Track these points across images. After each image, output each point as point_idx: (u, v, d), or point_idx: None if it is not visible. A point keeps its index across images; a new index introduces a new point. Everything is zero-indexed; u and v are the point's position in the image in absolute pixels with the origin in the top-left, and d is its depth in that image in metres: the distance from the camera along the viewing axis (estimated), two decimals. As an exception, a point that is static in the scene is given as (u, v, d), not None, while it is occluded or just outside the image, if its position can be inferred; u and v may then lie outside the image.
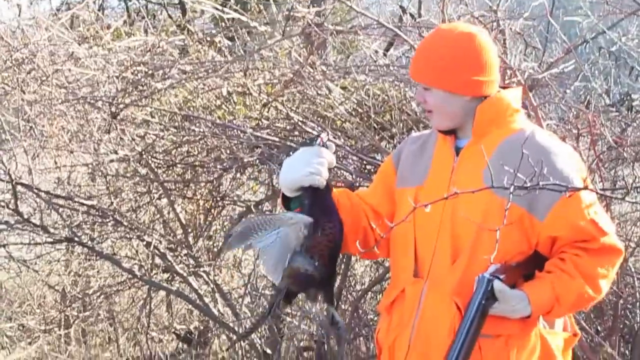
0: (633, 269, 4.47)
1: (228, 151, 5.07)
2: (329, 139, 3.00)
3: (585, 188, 2.65)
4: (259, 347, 5.55)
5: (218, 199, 5.72)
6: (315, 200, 2.95)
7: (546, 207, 2.78)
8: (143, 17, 6.19)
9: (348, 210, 3.04)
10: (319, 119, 4.89)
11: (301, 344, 5.95)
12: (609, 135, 3.88)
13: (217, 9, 5.26)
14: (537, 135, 2.86)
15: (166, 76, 5.04)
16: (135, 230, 5.62)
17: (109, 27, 5.80)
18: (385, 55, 5.75)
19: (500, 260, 2.78)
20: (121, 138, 5.31)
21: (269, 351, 5.51)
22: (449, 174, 2.91)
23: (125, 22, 6.10)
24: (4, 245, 6.05)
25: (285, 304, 3.07)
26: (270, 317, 3.21)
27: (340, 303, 5.33)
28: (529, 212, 2.79)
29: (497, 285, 2.75)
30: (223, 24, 5.47)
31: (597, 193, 2.77)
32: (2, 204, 5.51)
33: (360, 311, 5.35)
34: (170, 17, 6.83)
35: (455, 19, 4.75)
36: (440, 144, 2.99)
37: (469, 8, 4.81)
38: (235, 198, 5.81)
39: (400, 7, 5.97)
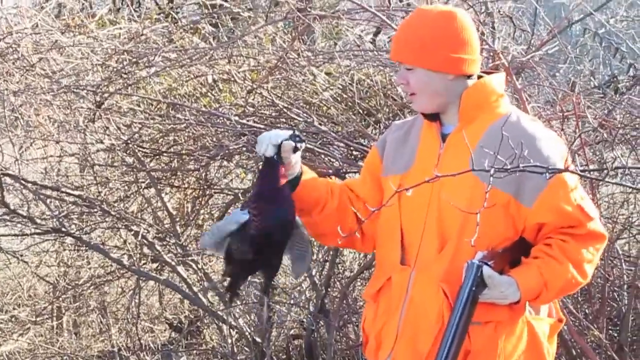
0: (620, 252, 4.45)
1: (214, 139, 5.04)
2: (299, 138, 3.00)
3: (567, 170, 2.64)
4: (249, 335, 5.54)
5: (205, 187, 5.69)
6: (264, 178, 2.98)
7: (533, 193, 2.79)
8: (128, 5, 6.13)
9: (334, 209, 3.05)
10: (304, 105, 4.87)
11: (291, 332, 5.93)
12: (590, 117, 3.86)
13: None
14: (522, 121, 2.87)
15: (150, 64, 5.00)
16: (123, 220, 5.60)
17: (94, 15, 5.76)
18: (373, 40, 5.72)
19: (487, 247, 2.79)
20: (107, 127, 5.28)
21: (258, 339, 5.50)
22: (435, 160, 2.90)
23: (110, 10, 6.04)
24: (-7, 237, 6.03)
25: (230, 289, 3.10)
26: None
27: (329, 290, 5.31)
28: (516, 199, 2.79)
29: (487, 271, 2.75)
30: (206, 10, 5.44)
31: (577, 174, 2.75)
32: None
33: (350, 298, 5.33)
34: (157, 3, 6.77)
35: (444, 2, 4.74)
36: (425, 131, 2.98)
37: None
38: (222, 186, 5.79)
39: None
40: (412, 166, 2.95)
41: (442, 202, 2.84)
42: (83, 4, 6.21)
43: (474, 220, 2.63)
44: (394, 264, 2.94)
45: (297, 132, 3.00)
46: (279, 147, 2.94)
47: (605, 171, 3.23)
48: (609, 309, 4.48)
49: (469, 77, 2.89)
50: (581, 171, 2.90)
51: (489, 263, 2.76)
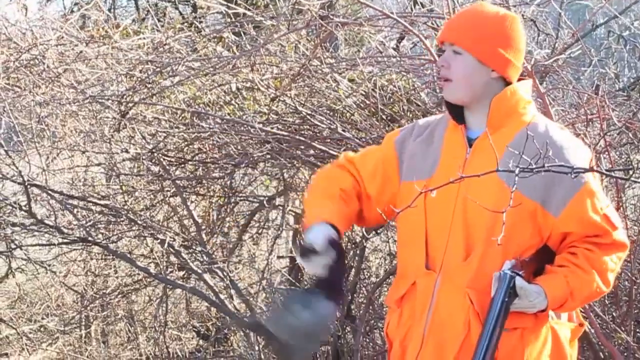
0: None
1: (238, 147, 5.05)
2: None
3: (592, 170, 2.63)
4: (275, 342, 5.55)
5: (230, 195, 5.71)
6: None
7: (561, 203, 2.79)
8: (152, 15, 6.18)
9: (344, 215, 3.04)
10: (327, 111, 4.88)
11: (318, 337, 5.93)
12: (615, 118, 3.85)
13: (223, 4, 5.25)
14: (550, 130, 2.87)
15: (174, 73, 5.03)
16: (149, 229, 5.63)
17: (118, 26, 5.80)
18: (397, 46, 5.72)
19: (514, 254, 2.79)
20: (132, 136, 5.31)
21: (285, 346, 5.49)
22: (460, 164, 2.88)
23: (134, 20, 6.09)
24: (20, 247, 6.07)
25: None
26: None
27: (355, 296, 5.32)
28: (543, 207, 2.79)
29: (519, 281, 2.76)
30: (229, 19, 5.47)
31: (603, 174, 2.75)
32: (17, 205, 5.53)
33: (376, 304, 5.33)
34: (180, 13, 6.82)
35: (466, 7, 4.73)
36: (450, 133, 2.97)
37: (480, -5, 4.77)
38: (247, 193, 5.81)
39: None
40: (436, 169, 2.93)
41: (468, 207, 2.83)
42: (107, 15, 6.25)
43: (500, 226, 2.63)
44: (419, 268, 2.92)
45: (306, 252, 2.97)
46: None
47: (632, 171, 3.21)
48: (636, 311, 4.45)
49: (506, 83, 2.90)
50: (607, 171, 2.88)
51: (520, 273, 2.77)
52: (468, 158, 2.89)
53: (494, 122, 2.88)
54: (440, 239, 2.88)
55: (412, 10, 4.66)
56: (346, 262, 3.03)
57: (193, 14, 6.69)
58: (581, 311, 3.05)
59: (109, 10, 6.63)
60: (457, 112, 2.95)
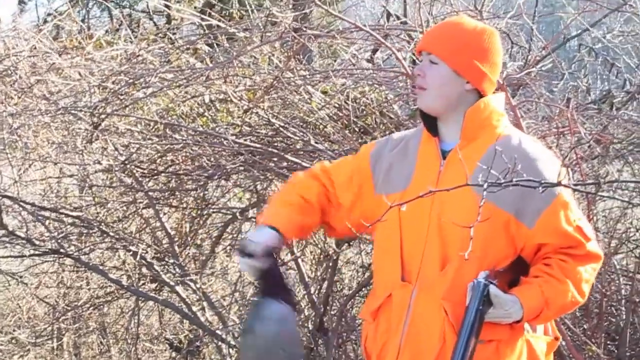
0: (618, 266, 4.46)
1: (211, 159, 5.05)
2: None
3: (560, 184, 2.65)
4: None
5: (203, 207, 5.70)
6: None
7: (535, 214, 2.81)
8: (127, 26, 6.16)
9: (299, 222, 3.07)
10: (300, 123, 4.88)
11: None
12: (583, 131, 3.88)
13: (196, 15, 5.25)
14: (523, 142, 2.89)
15: (147, 85, 5.02)
16: (122, 241, 5.61)
17: (91, 37, 5.79)
18: (371, 58, 5.73)
19: (488, 265, 2.81)
20: (104, 148, 5.30)
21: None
22: (434, 177, 2.90)
23: (107, 31, 6.08)
24: (-9, 259, 6.05)
25: None
26: None
27: (327, 308, 5.31)
28: (517, 218, 2.81)
29: (493, 290, 2.76)
30: (203, 31, 5.47)
31: (571, 188, 2.77)
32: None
33: (348, 316, 5.32)
34: (155, 24, 6.81)
35: (439, 20, 4.75)
36: (424, 146, 2.98)
37: (454, 8, 4.80)
38: (220, 205, 5.80)
39: (384, 8, 5.94)
40: (411, 182, 2.94)
41: (443, 218, 2.84)
42: (81, 25, 6.24)
43: (475, 237, 2.64)
44: (395, 280, 2.92)
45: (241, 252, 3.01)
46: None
47: (597, 186, 3.23)
48: (607, 323, 4.48)
49: (480, 95, 2.92)
50: (575, 185, 2.90)
51: (494, 282, 2.77)
52: (442, 170, 2.90)
53: (468, 134, 2.89)
54: (416, 251, 2.89)
55: (385, 22, 4.66)
56: (281, 272, 3.04)
57: (167, 25, 6.66)
58: (556, 324, 3.06)
59: (82, 20, 6.60)
60: (431, 124, 2.96)
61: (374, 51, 5.77)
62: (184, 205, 5.76)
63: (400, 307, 2.90)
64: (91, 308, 6.62)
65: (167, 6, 6.15)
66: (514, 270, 2.87)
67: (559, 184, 2.65)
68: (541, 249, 2.86)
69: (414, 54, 3.10)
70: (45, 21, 8.11)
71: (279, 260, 3.02)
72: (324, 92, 4.94)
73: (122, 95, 5.11)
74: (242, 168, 4.97)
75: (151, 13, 8.01)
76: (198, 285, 5.57)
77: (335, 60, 5.79)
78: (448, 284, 2.83)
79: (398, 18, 5.54)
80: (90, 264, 5.77)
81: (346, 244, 5.24)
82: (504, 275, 2.83)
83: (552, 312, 2.85)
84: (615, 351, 4.45)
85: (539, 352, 2.91)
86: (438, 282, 2.84)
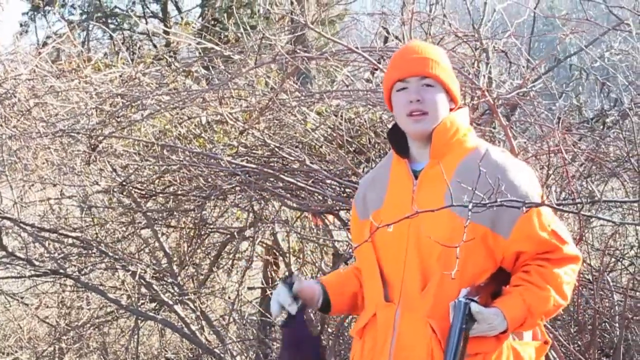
0: (611, 283, 4.48)
1: (208, 179, 5.09)
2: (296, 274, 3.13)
3: (543, 204, 2.70)
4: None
5: (201, 226, 5.74)
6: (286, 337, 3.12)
7: (509, 224, 2.83)
8: (127, 48, 6.22)
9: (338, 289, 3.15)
10: (295, 144, 4.93)
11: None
12: (574, 149, 3.92)
13: (192, 39, 5.31)
14: (492, 154, 2.92)
15: (144, 107, 5.07)
16: (121, 261, 5.66)
17: (89, 59, 5.85)
18: (372, 75, 5.75)
19: (469, 280, 2.83)
20: (102, 169, 5.35)
21: (256, 377, 5.53)
22: (407, 195, 2.94)
23: (105, 54, 6.13)
24: (-9, 280, 6.08)
25: None
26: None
27: (325, 326, 5.34)
28: (493, 231, 2.84)
29: (474, 307, 2.78)
30: (199, 53, 5.52)
31: (554, 208, 2.81)
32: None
33: (346, 334, 5.35)
34: (155, 46, 6.87)
35: (439, 39, 4.80)
36: (395, 167, 3.03)
37: (452, 27, 4.84)
38: (218, 225, 5.84)
39: (384, 29, 5.98)
40: (384, 202, 2.99)
41: (421, 237, 2.87)
42: (80, 49, 6.29)
43: (454, 254, 2.68)
44: (378, 300, 2.96)
45: (285, 278, 3.08)
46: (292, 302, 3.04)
47: (581, 205, 3.28)
48: (600, 340, 4.50)
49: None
50: (558, 205, 2.94)
51: (475, 299, 2.80)
52: (415, 190, 2.94)
53: (436, 152, 2.93)
54: (396, 271, 2.92)
55: (378, 44, 4.71)
56: (316, 335, 3.16)
57: (166, 47, 6.72)
58: (545, 328, 3.08)
59: (82, 43, 6.66)
60: (400, 146, 3.01)
61: (374, 71, 5.82)
62: (182, 225, 5.81)
63: (385, 326, 2.93)
64: (92, 328, 6.65)
65: (165, 32, 6.21)
66: (496, 281, 2.89)
67: (542, 204, 2.71)
68: (520, 257, 2.89)
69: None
70: (45, 44, 8.16)
71: (305, 320, 3.10)
72: (319, 113, 4.99)
73: (119, 117, 5.16)
74: (238, 188, 5.01)
75: (150, 35, 8.08)
76: (197, 304, 5.61)
77: (333, 81, 5.83)
78: (431, 301, 2.86)
79: (397, 38, 5.57)
80: (90, 284, 5.81)
81: (343, 263, 5.27)
82: (485, 288, 2.86)
83: (536, 319, 2.88)
84: (609, 367, 4.47)
85: (526, 358, 2.93)
86: (420, 302, 2.87)
